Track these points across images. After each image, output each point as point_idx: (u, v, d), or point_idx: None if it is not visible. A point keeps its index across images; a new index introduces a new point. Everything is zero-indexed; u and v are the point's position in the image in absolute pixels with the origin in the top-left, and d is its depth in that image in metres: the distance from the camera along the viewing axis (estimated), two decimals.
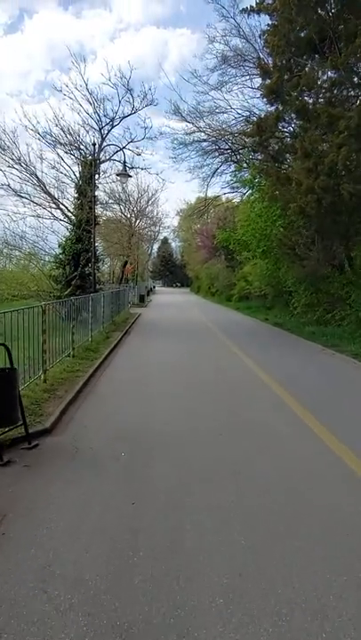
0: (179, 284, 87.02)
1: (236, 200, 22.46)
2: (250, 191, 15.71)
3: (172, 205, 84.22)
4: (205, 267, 43.78)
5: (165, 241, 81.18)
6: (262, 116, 12.45)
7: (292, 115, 11.12)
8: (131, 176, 14.04)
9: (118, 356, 9.54)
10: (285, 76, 10.10)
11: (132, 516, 2.95)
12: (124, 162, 13.42)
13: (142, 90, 21.25)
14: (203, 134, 16.31)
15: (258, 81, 16.10)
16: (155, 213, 31.52)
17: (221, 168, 19.14)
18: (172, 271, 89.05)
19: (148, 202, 28.41)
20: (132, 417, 5.12)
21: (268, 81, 11.57)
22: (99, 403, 5.78)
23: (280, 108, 11.60)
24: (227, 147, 16.63)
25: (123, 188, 25.30)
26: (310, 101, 10.00)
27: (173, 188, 78.12)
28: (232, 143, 16.49)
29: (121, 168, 14.48)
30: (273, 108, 12.72)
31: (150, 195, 29.02)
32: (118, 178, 13.98)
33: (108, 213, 26.12)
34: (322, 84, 9.45)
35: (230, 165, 19.28)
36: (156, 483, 3.47)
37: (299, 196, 9.54)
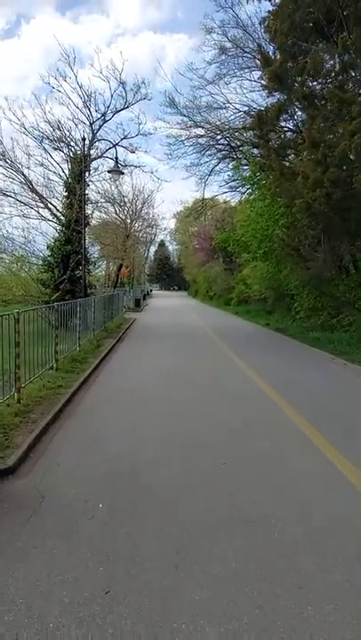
0: (176, 288, 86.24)
1: (235, 200, 21.70)
2: (250, 189, 14.86)
3: (168, 207, 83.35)
4: (203, 270, 42.95)
5: (162, 244, 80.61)
6: (263, 108, 11.66)
7: (296, 105, 10.31)
8: (123, 173, 13.21)
9: (107, 368, 8.65)
10: (289, 63, 9.31)
11: (103, 621, 2.06)
12: (116, 158, 12.59)
13: (136, 83, 20.34)
14: (200, 129, 15.53)
15: (257, 74, 15.39)
16: (150, 215, 30.74)
17: (219, 167, 18.35)
18: (169, 275, 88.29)
19: (143, 203, 27.60)
20: (117, 450, 4.22)
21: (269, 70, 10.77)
22: (79, 429, 4.88)
23: (284, 97, 10.79)
24: (225, 142, 15.82)
25: (117, 188, 24.50)
26: (318, 87, 9.19)
27: (170, 188, 77.40)
28: (230, 139, 15.68)
29: (113, 166, 13.68)
30: (275, 99, 11.93)
31: (146, 196, 28.26)
32: (110, 175, 13.13)
33: (103, 215, 25.32)
34: (330, 70, 8.63)
35: (228, 164, 18.50)
36: (142, 554, 2.59)
37: (306, 191, 8.69)
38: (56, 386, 6.67)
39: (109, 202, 19.75)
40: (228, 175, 19.49)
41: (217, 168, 17.84)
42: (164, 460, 3.97)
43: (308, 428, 4.83)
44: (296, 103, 10.07)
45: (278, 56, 9.43)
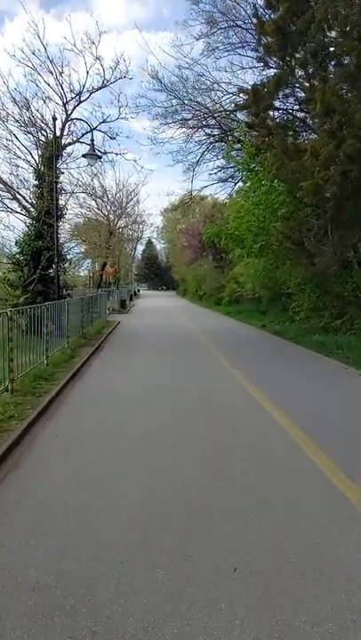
0: (164, 288, 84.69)
1: (225, 194, 20.27)
2: (244, 176, 13.28)
3: (154, 201, 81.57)
4: (192, 268, 41.41)
5: (150, 242, 79.00)
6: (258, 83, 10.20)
7: (299, 77, 8.88)
8: (100, 157, 11.63)
9: (78, 387, 7.10)
10: (292, 22, 7.87)
11: None
12: (92, 140, 11.00)
13: (114, 59, 18.58)
14: (187, 113, 13.97)
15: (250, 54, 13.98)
16: (135, 210, 29.16)
17: (208, 156, 16.88)
18: (157, 274, 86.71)
19: (127, 197, 26.03)
20: (74, 539, 2.68)
21: (267, 39, 9.31)
22: (22, 494, 3.32)
23: (282, 69, 9.36)
24: (215, 124, 14.29)
25: (96, 176, 22.91)
26: (330, 42, 7.76)
27: (155, 180, 75.17)
28: (221, 120, 14.17)
29: (89, 150, 12.15)
30: (270, 74, 10.53)
31: (130, 189, 26.74)
32: (88, 164, 11.54)
33: (84, 211, 23.74)
34: (343, 21, 7.17)
35: (218, 153, 17.05)
36: None
37: (316, 170, 7.24)
38: (6, 417, 5.13)
39: (87, 192, 18.08)
40: (218, 166, 18.08)
41: (206, 157, 16.37)
42: (144, 568, 2.44)
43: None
44: (300, 72, 8.65)
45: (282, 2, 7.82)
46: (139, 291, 65.66)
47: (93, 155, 10.89)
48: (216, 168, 16.89)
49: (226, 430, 4.82)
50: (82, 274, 32.83)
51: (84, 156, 11.17)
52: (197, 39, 14.17)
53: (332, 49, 7.43)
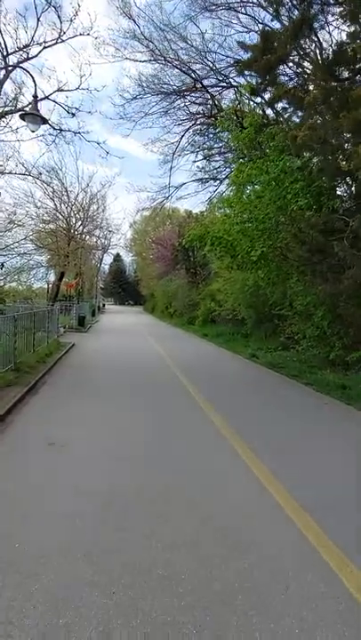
0: (131, 303, 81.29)
1: (209, 192, 17.42)
2: (243, 160, 10.33)
3: (123, 202, 78.33)
4: (162, 282, 38.22)
5: (118, 256, 75.70)
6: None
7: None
8: (46, 121, 8.39)
9: None
10: None
11: None
12: (35, 96, 7.79)
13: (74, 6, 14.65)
14: (169, 75, 11.06)
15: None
16: (102, 216, 25.87)
17: (190, 148, 14.01)
18: (124, 288, 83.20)
19: (91, 199, 22.81)
20: None
21: None
22: None
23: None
24: (203, 97, 11.41)
25: (57, 177, 19.66)
26: None
27: (124, 176, 71.50)
28: (214, 95, 11.36)
29: (49, 130, 8.95)
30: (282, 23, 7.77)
31: (94, 191, 23.58)
32: (27, 126, 8.25)
33: (40, 212, 20.31)
34: None
35: (200, 147, 14.25)
36: None
37: None
38: None
39: (30, 175, 14.72)
40: (199, 161, 15.27)
41: (188, 148, 13.48)
42: None
43: None
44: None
45: None
46: (104, 305, 61.95)
47: (34, 114, 7.64)
48: (200, 160, 14.15)
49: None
50: (39, 285, 29.01)
51: (22, 117, 7.89)
52: None
53: None
